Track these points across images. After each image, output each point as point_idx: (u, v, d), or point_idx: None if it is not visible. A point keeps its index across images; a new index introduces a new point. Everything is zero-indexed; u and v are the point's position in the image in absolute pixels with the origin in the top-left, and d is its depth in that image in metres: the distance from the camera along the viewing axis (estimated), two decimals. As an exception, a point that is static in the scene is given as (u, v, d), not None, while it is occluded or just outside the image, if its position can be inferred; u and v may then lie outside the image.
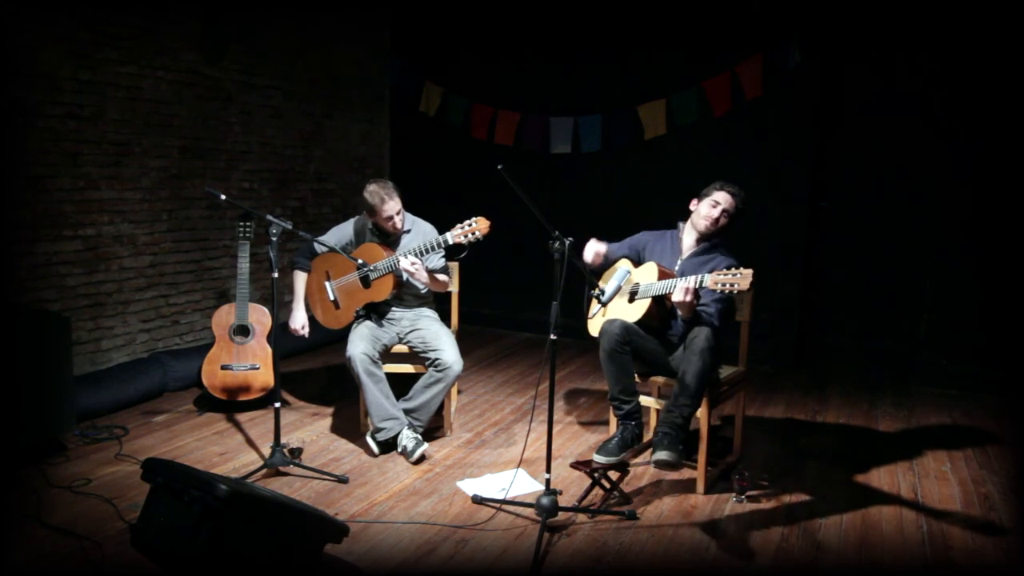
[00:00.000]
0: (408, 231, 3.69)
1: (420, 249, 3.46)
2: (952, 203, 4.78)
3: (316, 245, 3.61)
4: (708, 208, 3.24)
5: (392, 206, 3.52)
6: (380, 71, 6.32)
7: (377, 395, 3.46)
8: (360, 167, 6.24)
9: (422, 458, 3.42)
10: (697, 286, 2.94)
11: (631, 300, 3.27)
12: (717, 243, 3.29)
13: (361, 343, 3.46)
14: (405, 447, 3.42)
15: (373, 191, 3.52)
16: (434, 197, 5.29)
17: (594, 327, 3.42)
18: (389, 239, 3.65)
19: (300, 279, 3.77)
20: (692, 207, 3.33)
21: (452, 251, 3.54)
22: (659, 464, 2.94)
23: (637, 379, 3.29)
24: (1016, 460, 3.64)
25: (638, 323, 3.21)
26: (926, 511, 3.07)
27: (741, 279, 2.77)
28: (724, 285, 2.80)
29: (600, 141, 5.61)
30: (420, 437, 3.48)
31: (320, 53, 5.64)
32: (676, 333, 3.26)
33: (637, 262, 3.43)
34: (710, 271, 3.03)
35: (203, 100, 4.70)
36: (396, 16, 6.34)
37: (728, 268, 2.85)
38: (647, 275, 3.26)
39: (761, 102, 5.08)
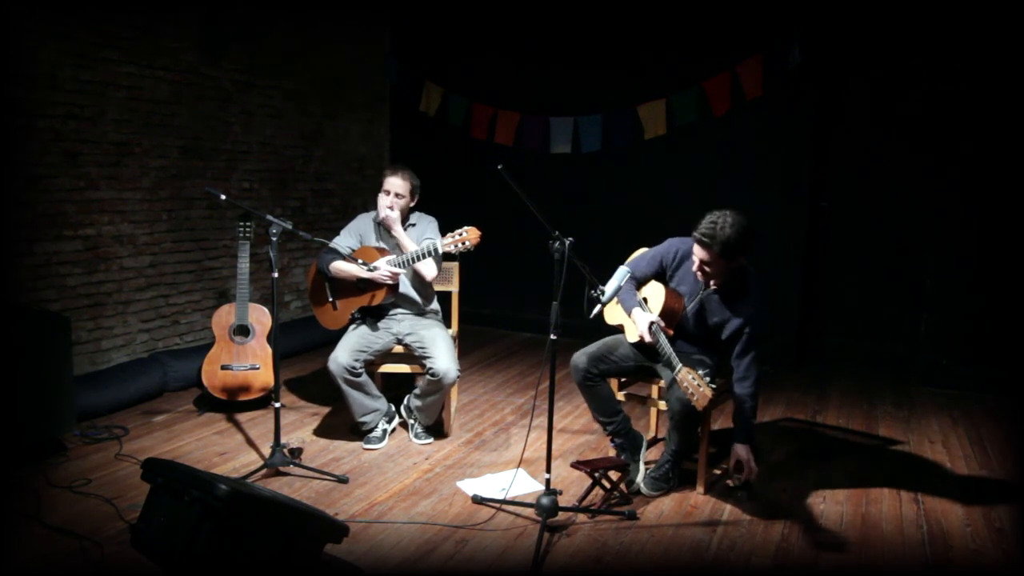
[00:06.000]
0: (414, 225, 3.70)
1: (408, 259, 3.45)
2: (952, 203, 4.78)
3: (334, 247, 3.54)
4: (694, 265, 2.98)
5: (393, 182, 3.54)
6: (380, 71, 6.32)
7: (357, 396, 3.55)
8: (360, 167, 6.24)
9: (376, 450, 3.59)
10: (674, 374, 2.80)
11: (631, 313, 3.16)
12: (735, 288, 3.00)
13: (344, 354, 3.46)
14: (375, 434, 3.65)
15: (393, 167, 3.61)
16: (434, 197, 5.26)
17: (608, 315, 3.39)
18: (389, 232, 3.59)
19: (337, 267, 3.57)
20: None
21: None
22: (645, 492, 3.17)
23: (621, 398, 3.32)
24: (1016, 460, 3.64)
25: (634, 342, 3.17)
26: (926, 511, 3.08)
27: (699, 397, 2.67)
28: (688, 389, 2.70)
29: (600, 141, 5.60)
30: (388, 430, 3.68)
31: (320, 53, 5.64)
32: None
33: (661, 274, 3.23)
34: (729, 324, 2.99)
35: (203, 100, 4.70)
36: (395, 16, 6.34)
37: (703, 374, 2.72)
38: (654, 295, 3.14)
39: (761, 102, 5.08)
